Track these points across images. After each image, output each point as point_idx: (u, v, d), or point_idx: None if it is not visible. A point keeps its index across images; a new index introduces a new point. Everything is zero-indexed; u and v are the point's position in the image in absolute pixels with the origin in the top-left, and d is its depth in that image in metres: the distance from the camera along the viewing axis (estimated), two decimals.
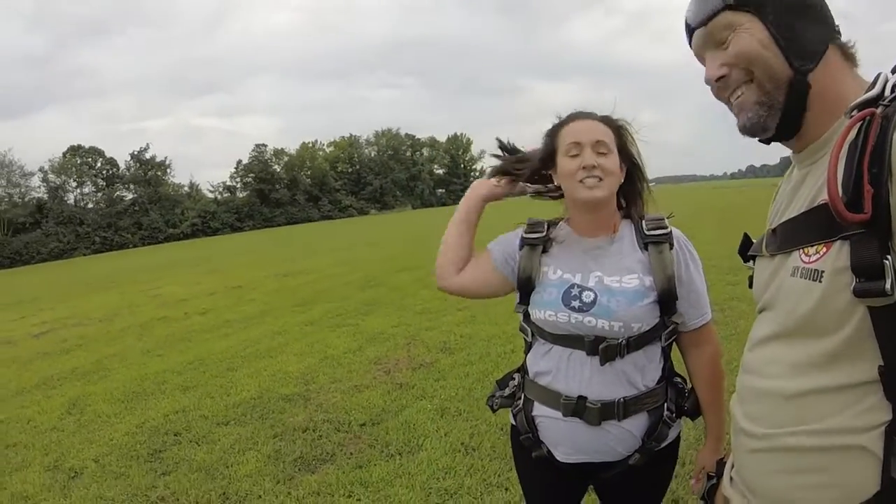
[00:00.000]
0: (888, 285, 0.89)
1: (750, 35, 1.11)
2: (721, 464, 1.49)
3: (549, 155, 1.84)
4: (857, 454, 0.99)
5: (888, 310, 0.92)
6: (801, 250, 1.08)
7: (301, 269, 17.68)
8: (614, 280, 1.76)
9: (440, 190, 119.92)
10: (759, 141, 1.21)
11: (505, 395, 2.00)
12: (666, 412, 1.82)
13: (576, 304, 1.74)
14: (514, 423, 1.97)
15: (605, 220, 1.83)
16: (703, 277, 1.86)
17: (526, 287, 1.88)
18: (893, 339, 0.94)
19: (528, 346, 1.95)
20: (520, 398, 1.94)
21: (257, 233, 67.01)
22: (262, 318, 10.00)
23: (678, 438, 1.91)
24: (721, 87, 1.18)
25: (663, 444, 1.83)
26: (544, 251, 1.89)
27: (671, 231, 1.82)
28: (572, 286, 1.78)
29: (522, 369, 1.98)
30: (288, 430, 4.79)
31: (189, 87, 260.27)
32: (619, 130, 1.81)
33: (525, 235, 1.93)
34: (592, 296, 1.74)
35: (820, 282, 1.02)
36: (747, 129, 1.17)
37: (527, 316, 1.92)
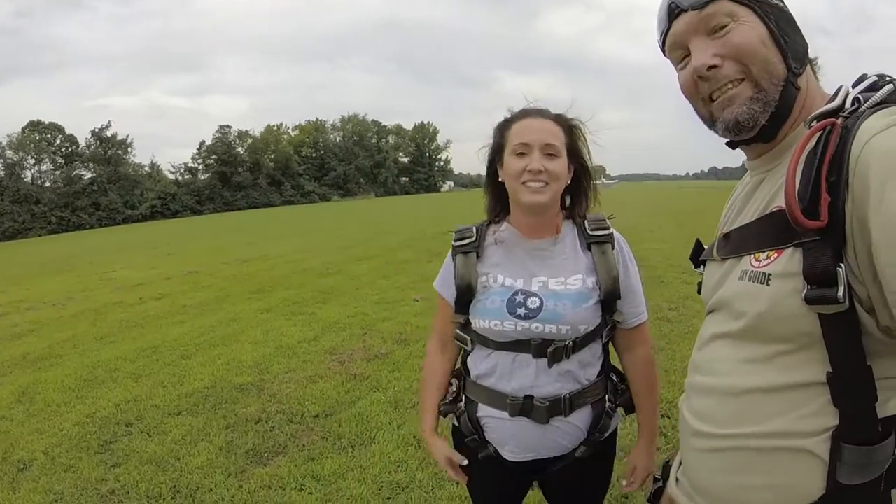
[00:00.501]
0: (840, 293, 0.92)
1: (752, 28, 1.11)
2: (667, 466, 1.50)
3: (497, 149, 1.82)
4: (803, 457, 1.02)
5: (838, 317, 0.95)
6: (752, 255, 1.10)
7: (259, 254, 17.55)
8: (559, 282, 1.76)
9: (404, 178, 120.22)
10: (728, 144, 1.23)
11: (447, 401, 1.99)
12: (608, 404, 1.86)
13: (521, 311, 1.73)
14: (456, 424, 1.96)
15: (548, 221, 1.82)
16: (639, 277, 1.89)
17: (465, 296, 1.84)
18: (842, 346, 0.97)
19: (466, 352, 1.94)
20: (461, 401, 1.94)
21: (217, 216, 66.28)
22: (218, 305, 9.92)
23: (616, 429, 1.95)
24: (710, 77, 1.14)
25: (605, 435, 1.87)
26: (479, 256, 1.87)
27: (612, 232, 1.84)
28: (516, 293, 1.76)
29: (461, 372, 1.98)
30: (240, 421, 4.77)
31: (157, 64, 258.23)
32: (570, 130, 1.79)
33: (455, 244, 1.90)
34: (538, 301, 1.73)
35: (767, 285, 1.04)
36: (737, 124, 1.14)
37: (464, 325, 1.89)
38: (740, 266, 1.13)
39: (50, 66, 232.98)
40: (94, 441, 4.64)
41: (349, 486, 3.69)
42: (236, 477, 3.91)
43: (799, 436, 1.02)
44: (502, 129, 1.81)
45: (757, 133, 1.14)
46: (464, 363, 1.96)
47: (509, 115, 1.83)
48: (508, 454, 1.84)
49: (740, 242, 1.17)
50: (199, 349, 7.12)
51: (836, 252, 0.93)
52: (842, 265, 0.92)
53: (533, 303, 1.74)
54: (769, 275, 1.04)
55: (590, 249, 1.81)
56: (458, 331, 1.92)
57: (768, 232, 1.08)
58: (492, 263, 1.85)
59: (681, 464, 1.36)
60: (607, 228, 1.84)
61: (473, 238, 1.87)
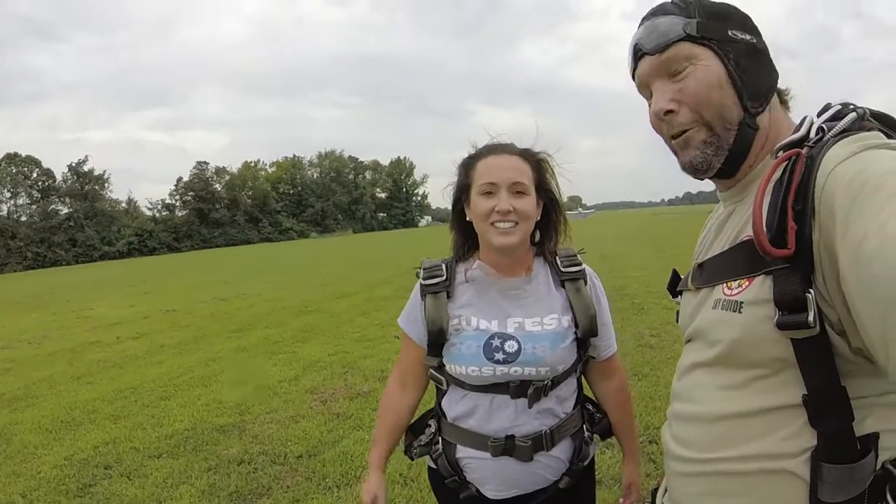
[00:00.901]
0: (811, 318, 0.93)
1: (708, 71, 1.12)
2: (655, 492, 1.49)
3: (462, 188, 1.79)
4: (785, 478, 1.02)
5: (810, 341, 0.96)
6: (725, 284, 1.12)
7: (237, 292, 17.46)
8: (535, 322, 1.75)
9: (382, 214, 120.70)
10: (695, 177, 1.23)
11: (422, 443, 1.93)
12: (586, 434, 1.87)
13: (499, 356, 1.71)
14: (434, 466, 1.92)
15: (520, 260, 1.80)
16: (609, 309, 1.90)
17: (437, 339, 1.79)
18: (815, 368, 0.98)
19: (441, 392, 1.91)
20: (438, 443, 1.89)
21: (195, 254, 66.04)
22: (196, 345, 9.82)
23: (594, 456, 1.96)
24: (667, 121, 1.17)
25: (585, 463, 1.88)
26: (449, 296, 1.82)
27: (584, 267, 1.84)
28: (492, 336, 1.73)
29: (437, 413, 1.93)
30: (223, 463, 4.70)
31: (132, 98, 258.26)
32: (538, 164, 1.76)
33: (424, 283, 1.84)
34: (516, 345, 1.71)
35: (740, 313, 1.05)
36: (692, 167, 1.18)
37: (438, 367, 1.85)
38: (714, 295, 1.15)
39: (24, 96, 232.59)
40: (73, 484, 4.55)
41: None
42: None
43: (779, 457, 1.03)
44: (467, 167, 1.78)
45: (715, 173, 1.18)
46: (439, 404, 1.92)
47: (473, 152, 1.80)
48: (491, 493, 1.81)
49: (713, 272, 1.18)
50: (179, 390, 7.03)
51: (805, 278, 0.95)
52: (811, 291, 0.94)
53: (511, 346, 1.71)
54: (741, 303, 1.05)
55: (563, 286, 1.81)
56: (432, 372, 1.88)
57: (739, 261, 1.10)
58: (463, 304, 1.81)
59: (666, 490, 1.36)
60: (580, 265, 1.84)
61: (444, 277, 1.83)
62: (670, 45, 1.14)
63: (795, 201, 0.96)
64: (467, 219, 1.80)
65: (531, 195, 1.71)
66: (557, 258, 1.84)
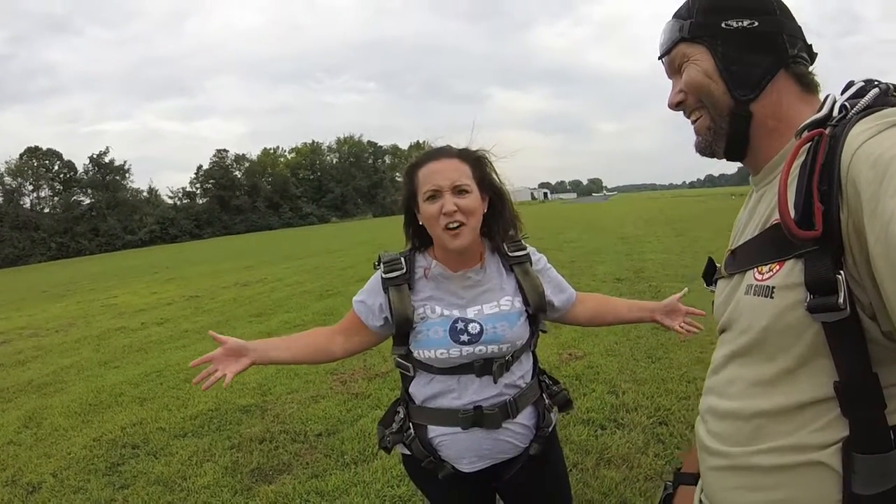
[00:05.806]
0: (841, 300, 0.91)
1: (697, 66, 1.20)
2: (679, 474, 1.54)
3: (410, 195, 1.91)
4: (817, 471, 1.01)
5: (841, 325, 0.94)
6: (756, 269, 1.11)
7: (259, 277, 17.62)
8: (492, 306, 1.90)
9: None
10: (710, 157, 1.31)
11: (393, 430, 2.00)
12: (547, 401, 2.04)
13: (464, 337, 1.85)
14: (407, 452, 2.01)
15: (472, 252, 1.93)
16: (554, 269, 2.14)
17: (403, 328, 1.90)
18: (847, 354, 0.96)
19: (408, 378, 2.00)
20: (408, 428, 1.98)
21: (217, 240, 66.18)
22: (219, 329, 9.61)
23: (555, 426, 2.10)
24: (682, 109, 1.29)
25: (550, 429, 2.04)
26: (411, 287, 1.93)
27: (528, 251, 2.01)
28: (456, 321, 1.86)
29: (404, 399, 2.03)
30: (245, 442, 4.84)
31: (149, 88, 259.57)
32: (477, 162, 1.88)
33: (385, 276, 1.94)
34: (478, 327, 1.85)
35: (771, 298, 1.04)
36: (699, 151, 1.28)
37: (405, 354, 1.96)
38: (745, 280, 1.14)
39: (44, 91, 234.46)
40: (102, 463, 4.71)
41: (353, 501, 3.75)
42: (242, 495, 3.98)
43: (811, 449, 1.02)
44: (410, 174, 1.90)
45: (725, 156, 1.26)
46: (406, 390, 2.02)
47: (414, 160, 1.92)
48: (466, 467, 1.94)
49: (745, 257, 1.18)
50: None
51: (834, 260, 0.94)
52: (841, 272, 0.92)
53: (474, 328, 1.86)
54: (772, 287, 1.04)
55: (512, 270, 1.97)
56: (398, 360, 2.00)
57: (769, 245, 1.09)
58: (425, 297, 1.93)
59: (703, 489, 1.36)
60: (524, 249, 2.00)
61: (403, 270, 1.94)
62: (672, 48, 1.27)
63: (821, 182, 0.95)
64: (420, 223, 1.91)
65: (474, 192, 1.83)
66: (504, 245, 1.99)
